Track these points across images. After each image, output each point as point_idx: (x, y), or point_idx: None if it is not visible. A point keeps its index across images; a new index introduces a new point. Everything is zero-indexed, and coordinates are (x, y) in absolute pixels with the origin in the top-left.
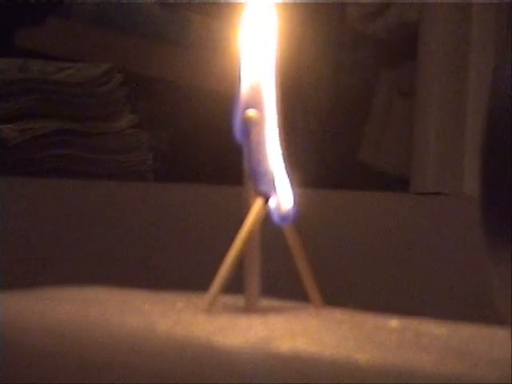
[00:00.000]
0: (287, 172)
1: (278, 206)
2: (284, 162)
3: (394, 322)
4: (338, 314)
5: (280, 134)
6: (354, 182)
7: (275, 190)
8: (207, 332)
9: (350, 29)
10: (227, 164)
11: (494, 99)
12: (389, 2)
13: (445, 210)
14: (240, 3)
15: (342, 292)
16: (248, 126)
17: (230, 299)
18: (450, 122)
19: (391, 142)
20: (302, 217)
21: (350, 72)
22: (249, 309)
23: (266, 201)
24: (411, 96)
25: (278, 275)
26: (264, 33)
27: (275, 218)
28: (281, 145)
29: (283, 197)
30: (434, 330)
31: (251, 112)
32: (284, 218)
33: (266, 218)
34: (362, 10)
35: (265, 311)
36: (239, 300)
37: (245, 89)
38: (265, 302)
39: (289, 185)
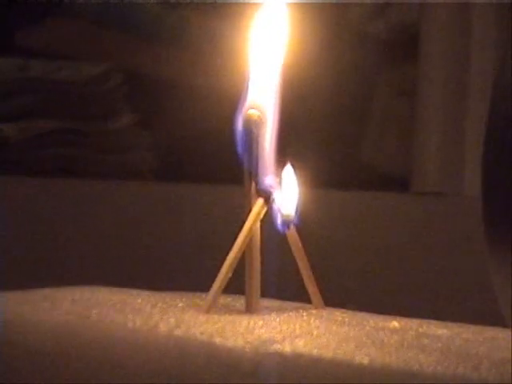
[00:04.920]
0: (291, 174)
1: (281, 212)
2: (285, 163)
3: (394, 323)
4: (339, 315)
5: (280, 133)
6: (354, 182)
7: (278, 194)
8: (208, 333)
9: (351, 29)
10: (227, 164)
11: (496, 99)
12: (389, 1)
13: (445, 210)
14: (240, 3)
15: (343, 292)
16: (250, 126)
17: (230, 299)
18: (450, 121)
19: (391, 142)
20: (301, 217)
21: (350, 72)
22: (249, 309)
23: (266, 201)
24: (411, 96)
25: (278, 276)
26: (273, 34)
27: (278, 224)
28: (281, 145)
29: (286, 202)
30: (435, 330)
31: (253, 112)
32: (286, 223)
33: (267, 219)
34: (362, 9)
35: (266, 312)
36: (240, 300)
37: (251, 90)
38: (265, 303)
39: (292, 189)
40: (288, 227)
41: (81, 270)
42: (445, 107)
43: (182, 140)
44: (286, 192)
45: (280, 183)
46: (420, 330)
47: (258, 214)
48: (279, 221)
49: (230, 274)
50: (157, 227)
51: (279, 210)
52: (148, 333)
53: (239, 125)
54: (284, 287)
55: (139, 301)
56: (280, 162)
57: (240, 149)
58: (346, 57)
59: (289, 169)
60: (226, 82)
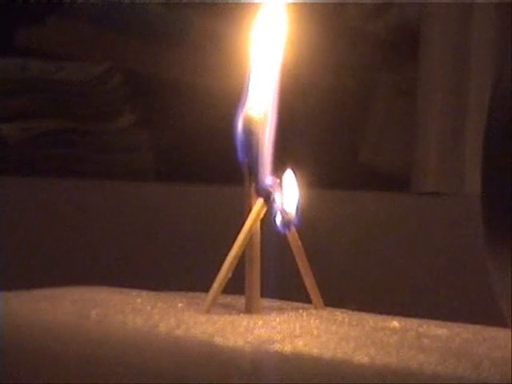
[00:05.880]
0: (291, 175)
1: (281, 213)
2: (285, 163)
3: (394, 323)
4: (339, 315)
5: (280, 134)
6: (354, 182)
7: (278, 195)
8: (208, 332)
9: (351, 29)
10: (227, 164)
11: (496, 99)
12: (389, 1)
13: (445, 210)
14: (240, 3)
15: (343, 292)
16: (250, 126)
17: (230, 299)
18: (450, 121)
19: (391, 142)
20: (302, 217)
21: (350, 72)
22: (250, 309)
23: (266, 201)
24: (411, 96)
25: (278, 276)
26: (273, 33)
27: (278, 225)
28: (281, 145)
29: (286, 203)
30: (435, 330)
31: (253, 112)
32: (287, 225)
33: (267, 219)
34: (362, 9)
35: (266, 312)
36: (240, 300)
37: (252, 90)
38: (266, 303)
39: (293, 190)
40: (288, 229)
41: (81, 270)
42: (445, 107)
43: (182, 140)
44: (286, 193)
45: (280, 184)
46: (420, 329)
47: (258, 214)
48: (279, 222)
49: (229, 274)
50: (157, 227)
51: (279, 212)
52: (148, 333)
53: (239, 125)
54: (284, 287)
55: (139, 301)
56: (280, 163)
57: (240, 149)
58: (346, 57)
59: (289, 170)
60: (227, 81)
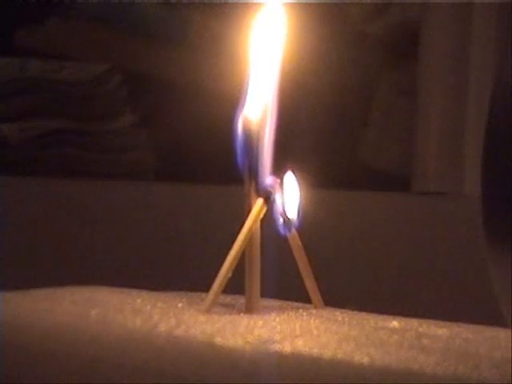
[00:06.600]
0: (291, 176)
1: (282, 215)
2: (286, 164)
3: (394, 323)
4: (339, 315)
5: (280, 134)
6: (354, 182)
7: (279, 196)
8: (208, 332)
9: (351, 29)
10: (227, 164)
11: (496, 99)
12: (390, 1)
13: (445, 209)
14: (240, 4)
15: (343, 292)
16: (250, 126)
17: (230, 299)
18: (450, 121)
19: (392, 142)
20: (302, 217)
21: (350, 72)
22: (250, 309)
23: (266, 201)
24: (412, 96)
25: (278, 276)
26: (273, 34)
27: (279, 227)
28: (281, 145)
29: (287, 205)
30: (435, 330)
31: (253, 112)
32: (288, 226)
33: (267, 220)
34: (362, 9)
35: (266, 312)
36: (240, 300)
37: (251, 90)
38: (265, 303)
39: (294, 191)
40: (289, 230)
41: (81, 269)
42: (445, 107)
43: (182, 140)
44: (287, 195)
45: (281, 185)
46: (420, 329)
47: (258, 214)
48: (280, 224)
49: (229, 274)
50: (157, 227)
51: (280, 214)
52: (148, 333)
53: (239, 125)
54: (284, 287)
55: (139, 301)
56: (280, 163)
57: (239, 150)
58: (346, 57)
59: (290, 171)
60: (226, 81)
